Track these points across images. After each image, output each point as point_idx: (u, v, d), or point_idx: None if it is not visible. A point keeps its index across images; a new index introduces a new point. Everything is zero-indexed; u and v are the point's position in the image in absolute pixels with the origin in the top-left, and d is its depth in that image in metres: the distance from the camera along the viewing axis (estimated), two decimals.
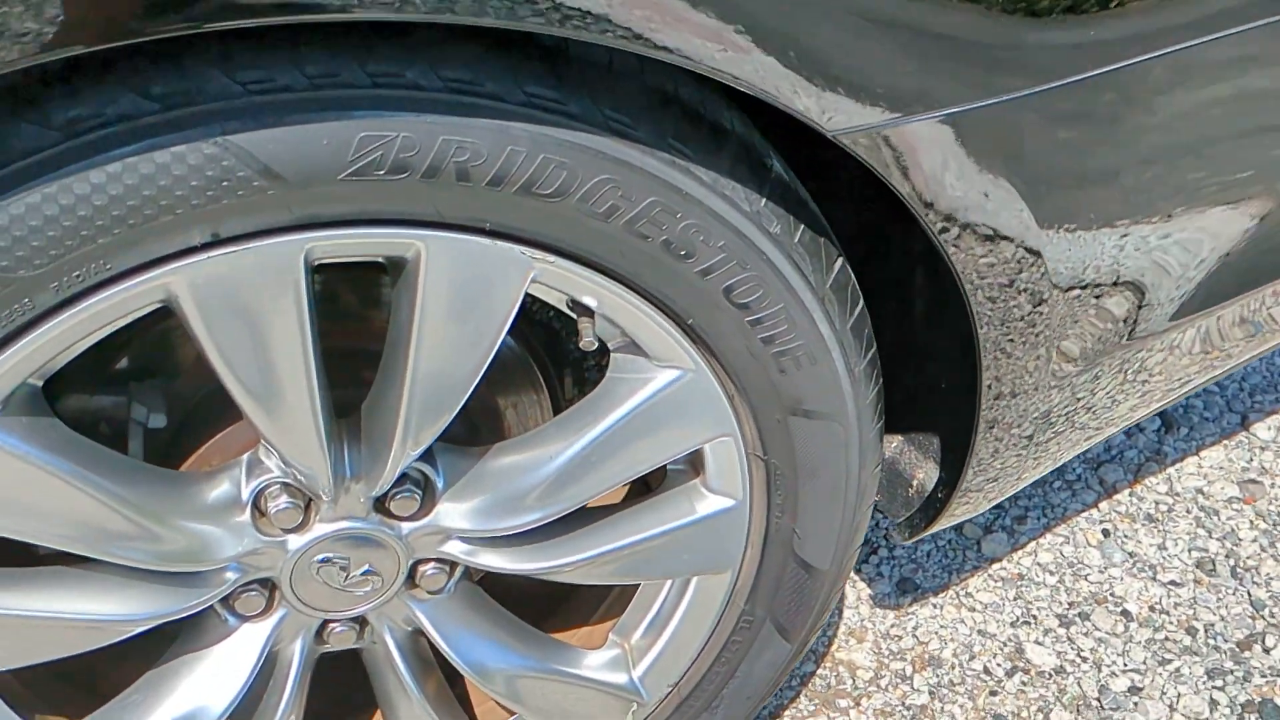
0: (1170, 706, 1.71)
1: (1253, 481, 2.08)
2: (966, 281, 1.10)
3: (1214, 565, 1.93)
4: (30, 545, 1.16)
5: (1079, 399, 1.36)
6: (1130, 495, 2.06)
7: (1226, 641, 1.80)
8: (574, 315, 1.10)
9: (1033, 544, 1.97)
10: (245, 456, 1.10)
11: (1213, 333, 1.45)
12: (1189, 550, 1.95)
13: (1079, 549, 1.96)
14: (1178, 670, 1.76)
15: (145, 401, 1.12)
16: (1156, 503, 2.05)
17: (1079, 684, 1.74)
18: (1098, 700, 1.72)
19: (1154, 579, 1.91)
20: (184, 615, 1.11)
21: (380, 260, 0.99)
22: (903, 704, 1.72)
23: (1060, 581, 1.90)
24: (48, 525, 0.98)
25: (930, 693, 1.73)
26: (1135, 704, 1.71)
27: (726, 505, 1.23)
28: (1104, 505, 2.04)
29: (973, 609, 1.86)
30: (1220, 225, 1.23)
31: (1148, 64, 1.05)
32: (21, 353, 0.89)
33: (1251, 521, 2.01)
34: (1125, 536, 1.98)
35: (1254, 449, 2.16)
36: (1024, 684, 1.75)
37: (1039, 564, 1.93)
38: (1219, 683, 1.74)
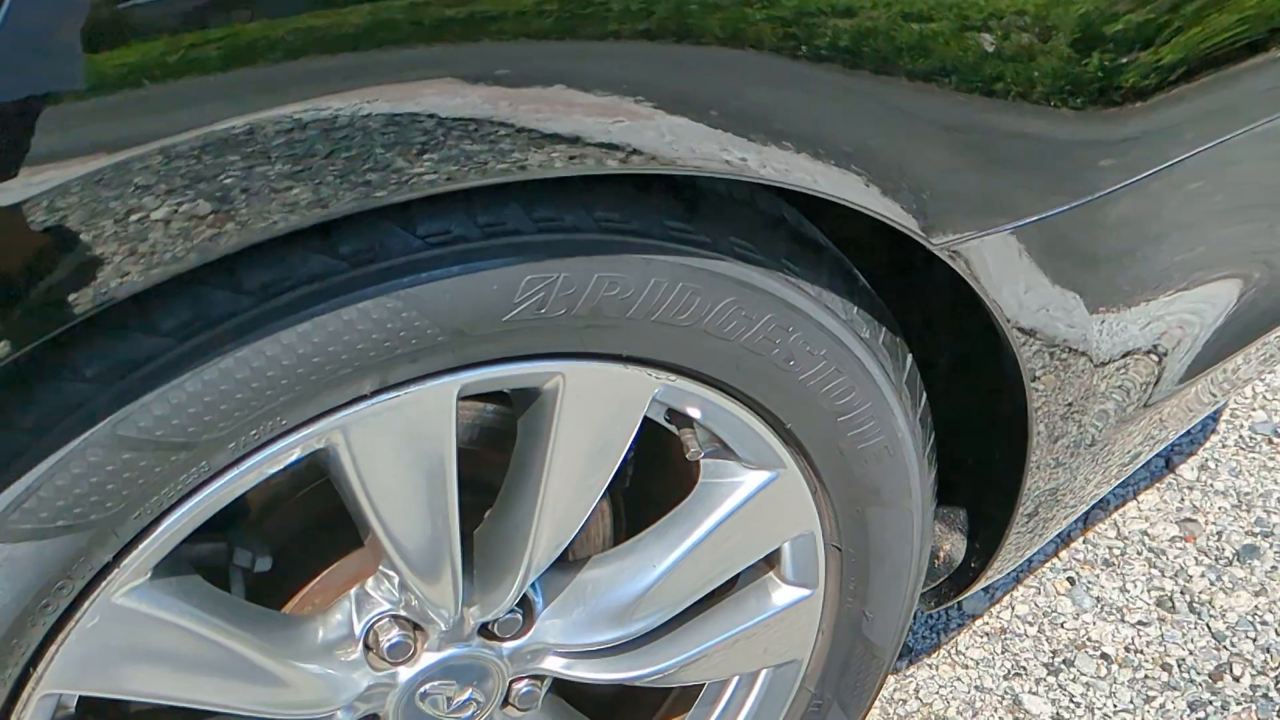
0: None
1: (1189, 520, 2.23)
2: (1028, 375, 1.18)
3: (1173, 603, 2.06)
4: (119, 701, 1.13)
5: (1065, 479, 1.45)
6: (1085, 542, 2.19)
7: (1199, 674, 1.93)
8: (673, 428, 1.14)
9: (1008, 597, 2.07)
10: (353, 591, 1.10)
11: (1185, 399, 1.57)
12: (1148, 590, 2.08)
13: (1050, 598, 2.07)
14: (1163, 706, 1.88)
15: (248, 544, 1.10)
16: (1109, 547, 2.17)
17: None
18: None
19: (1123, 620, 2.03)
20: None
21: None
22: None
23: (1040, 631, 2.00)
24: (192, 686, 0.96)
25: None
26: None
27: (803, 595, 1.27)
28: (1064, 554, 2.16)
29: (966, 666, 1.94)
30: (1222, 294, 1.35)
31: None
32: (187, 516, 0.88)
33: (1196, 558, 2.15)
34: (1089, 582, 2.10)
35: (1182, 489, 2.32)
36: None
37: (1017, 616, 2.03)
38: (1201, 714, 1.86)
